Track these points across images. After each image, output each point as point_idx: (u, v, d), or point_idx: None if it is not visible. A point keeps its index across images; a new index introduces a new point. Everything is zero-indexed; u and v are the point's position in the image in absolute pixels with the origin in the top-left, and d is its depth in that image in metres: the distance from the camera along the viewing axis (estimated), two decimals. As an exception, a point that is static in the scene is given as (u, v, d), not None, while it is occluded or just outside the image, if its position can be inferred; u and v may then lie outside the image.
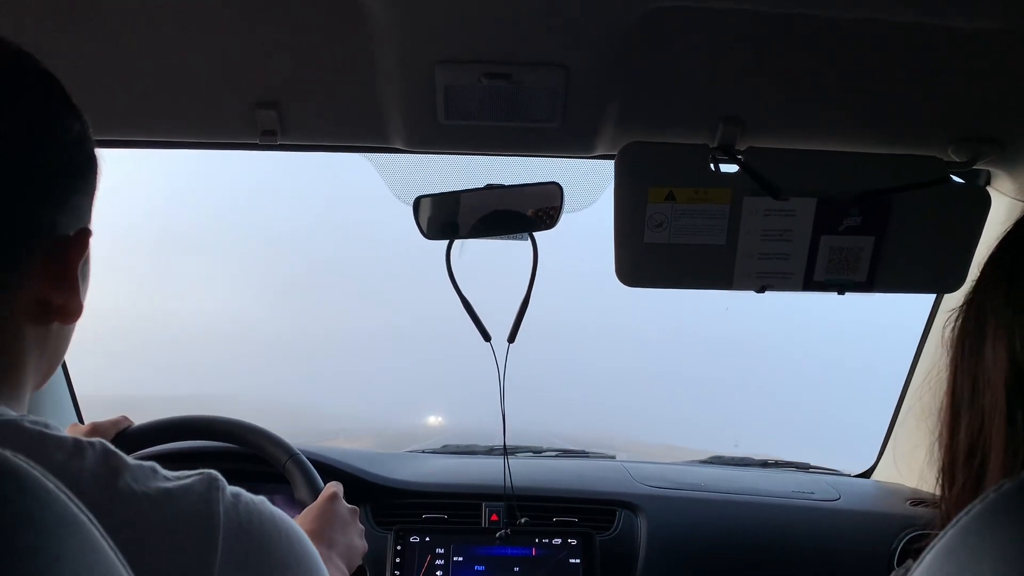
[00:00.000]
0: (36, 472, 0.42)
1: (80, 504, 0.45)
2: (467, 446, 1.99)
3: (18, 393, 0.65)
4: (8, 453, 0.41)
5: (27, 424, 0.60)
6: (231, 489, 0.68)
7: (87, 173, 0.68)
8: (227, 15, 1.02)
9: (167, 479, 0.64)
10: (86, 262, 0.69)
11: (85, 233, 0.67)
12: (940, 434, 0.75)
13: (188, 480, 0.65)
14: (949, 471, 0.73)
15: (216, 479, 0.67)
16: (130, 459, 0.63)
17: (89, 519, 0.45)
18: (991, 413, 0.67)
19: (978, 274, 0.73)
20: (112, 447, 0.63)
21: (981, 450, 0.68)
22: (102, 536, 0.46)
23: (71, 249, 0.66)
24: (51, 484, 0.43)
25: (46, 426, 0.61)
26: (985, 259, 0.75)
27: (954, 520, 0.52)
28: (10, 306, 0.63)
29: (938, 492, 0.77)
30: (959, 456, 0.71)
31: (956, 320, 0.74)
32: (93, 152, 0.69)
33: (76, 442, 0.61)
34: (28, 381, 0.66)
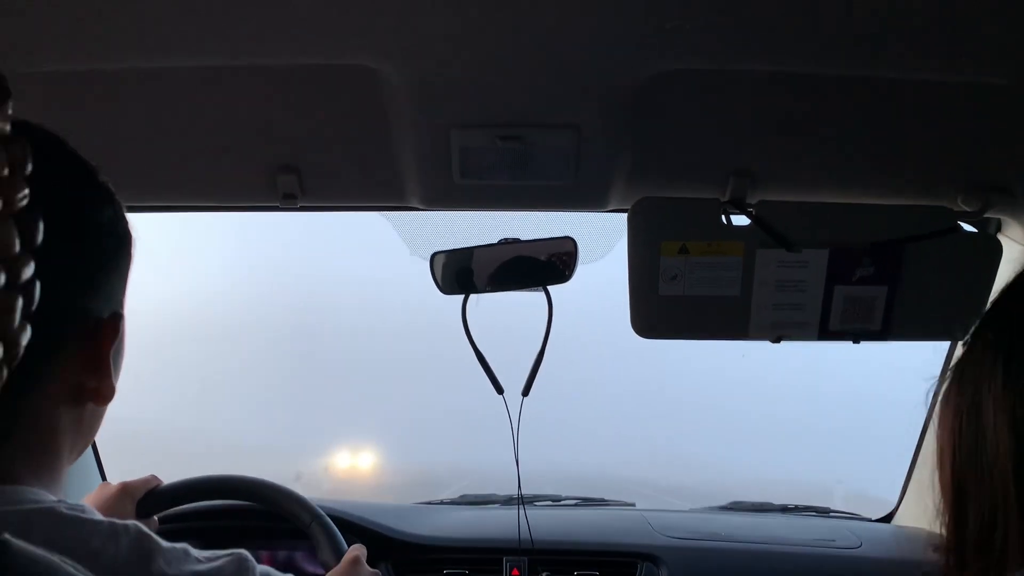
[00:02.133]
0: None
1: None
2: (485, 496, 1.98)
3: (54, 474, 0.66)
4: (59, 559, 0.42)
5: (64, 510, 0.61)
6: (261, 569, 0.69)
7: (119, 257, 0.69)
8: (249, 85, 1.05)
9: (199, 561, 0.65)
10: (120, 344, 0.70)
11: (117, 318, 0.68)
12: (946, 519, 0.72)
13: (219, 562, 0.66)
14: (958, 554, 0.70)
15: (246, 560, 0.68)
16: (163, 542, 0.64)
17: None
18: (1004, 505, 0.64)
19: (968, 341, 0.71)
20: (145, 530, 0.64)
21: (999, 541, 0.65)
22: None
23: (104, 333, 0.67)
24: None
25: (83, 510, 0.62)
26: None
27: None
28: (46, 391, 0.64)
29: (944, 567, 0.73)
30: (969, 540, 0.68)
31: (947, 395, 0.71)
32: (127, 235, 0.71)
33: (111, 526, 0.62)
34: (64, 462, 0.67)
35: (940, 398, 0.73)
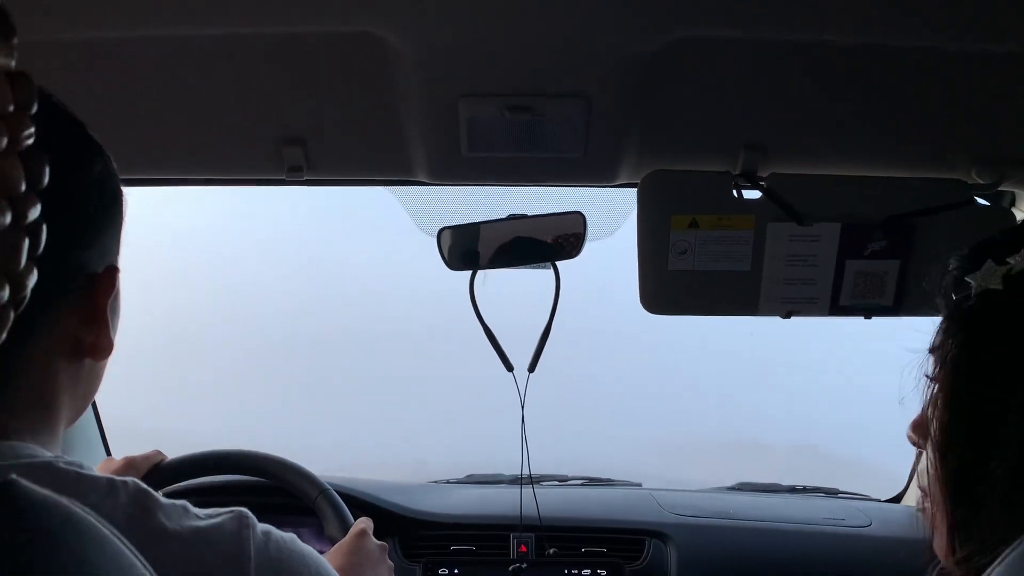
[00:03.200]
0: (94, 519, 0.43)
1: (132, 548, 0.45)
2: (492, 476, 1.98)
3: (52, 431, 0.66)
4: (68, 501, 0.42)
5: (62, 465, 0.60)
6: (261, 527, 0.68)
7: (112, 211, 0.69)
8: (254, 55, 1.04)
9: (199, 517, 0.65)
10: (116, 299, 0.70)
11: (113, 271, 0.68)
12: (932, 461, 0.74)
13: (219, 518, 0.66)
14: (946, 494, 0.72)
15: (247, 517, 0.67)
16: (162, 498, 0.64)
17: (142, 563, 0.46)
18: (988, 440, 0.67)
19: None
20: (144, 486, 0.63)
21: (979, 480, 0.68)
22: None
23: (100, 287, 0.66)
24: (107, 531, 0.44)
25: (80, 466, 0.61)
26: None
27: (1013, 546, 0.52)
28: (42, 345, 0.63)
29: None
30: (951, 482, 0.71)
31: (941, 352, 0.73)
32: (118, 189, 0.70)
33: (110, 482, 0.61)
34: (61, 419, 0.67)
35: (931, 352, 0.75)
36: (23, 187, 0.36)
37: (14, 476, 0.39)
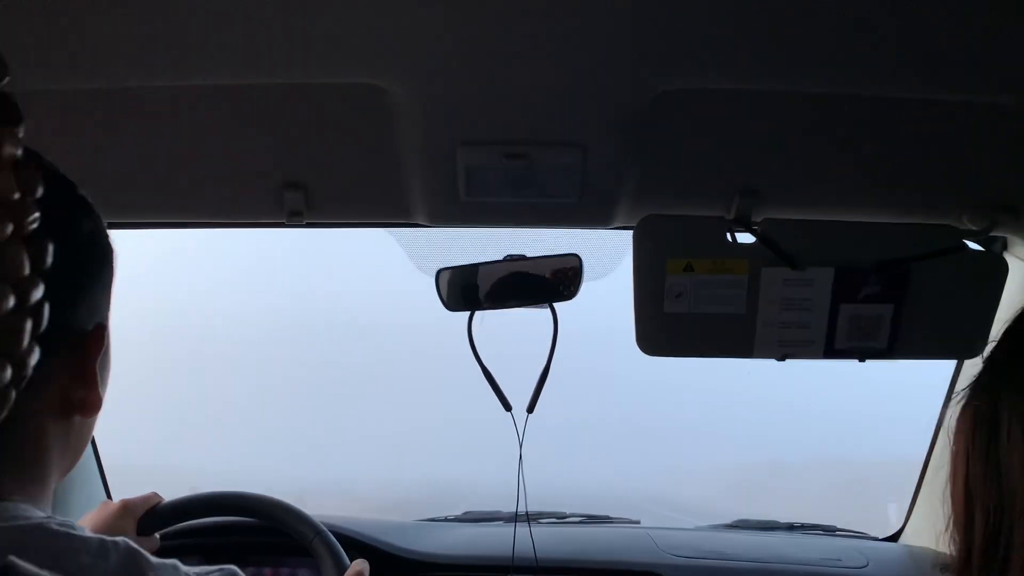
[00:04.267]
0: None
1: None
2: (489, 513, 1.97)
3: (43, 489, 0.66)
4: None
5: (54, 526, 0.60)
6: None
7: (102, 269, 0.69)
8: (256, 103, 1.05)
9: None
10: (105, 354, 0.70)
11: (101, 328, 0.68)
12: (954, 527, 0.74)
13: None
14: (965, 566, 0.72)
15: (236, 575, 0.68)
16: (153, 558, 0.64)
17: None
18: (1011, 507, 0.66)
19: (988, 352, 0.73)
20: (135, 546, 0.63)
21: (1002, 544, 0.67)
22: None
23: (89, 344, 0.67)
24: None
25: (72, 527, 0.61)
26: (1002, 328, 0.75)
27: None
28: (31, 404, 0.62)
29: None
30: (976, 549, 0.70)
31: (965, 405, 0.73)
32: (108, 247, 0.71)
33: (101, 543, 0.61)
34: (52, 476, 0.67)
35: (959, 407, 0.75)
36: (27, 271, 0.37)
37: (12, 559, 0.40)
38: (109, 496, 1.71)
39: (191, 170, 1.18)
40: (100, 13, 0.84)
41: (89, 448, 1.69)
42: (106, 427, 0.80)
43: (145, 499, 1.30)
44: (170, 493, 1.36)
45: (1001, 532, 0.68)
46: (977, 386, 0.73)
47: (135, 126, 1.09)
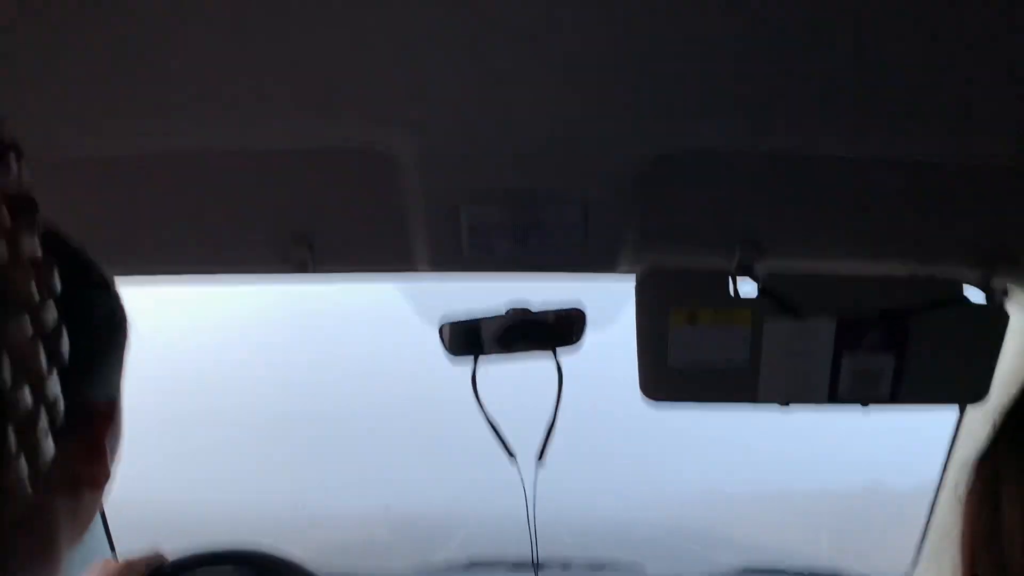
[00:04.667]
0: None
1: None
2: (494, 559, 1.96)
3: (53, 567, 0.64)
4: None
5: None
6: None
7: (116, 344, 0.68)
8: (260, 163, 1.07)
9: None
10: (116, 429, 0.69)
11: (112, 404, 0.67)
12: None
13: None
14: None
15: None
16: None
17: None
18: None
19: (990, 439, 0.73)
20: None
21: None
22: None
23: (100, 421, 0.66)
24: None
25: None
26: (1012, 398, 0.75)
27: None
28: (42, 489, 0.63)
29: None
30: None
31: (971, 478, 0.73)
32: (123, 320, 0.70)
33: None
34: (62, 555, 0.66)
35: (968, 479, 0.75)
36: (45, 369, 0.38)
37: None
38: (112, 548, 1.70)
39: (197, 226, 1.20)
40: (105, 81, 0.86)
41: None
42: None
43: (147, 558, 1.29)
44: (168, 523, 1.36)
45: None
46: (980, 466, 0.73)
47: (141, 185, 1.11)
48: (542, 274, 1.40)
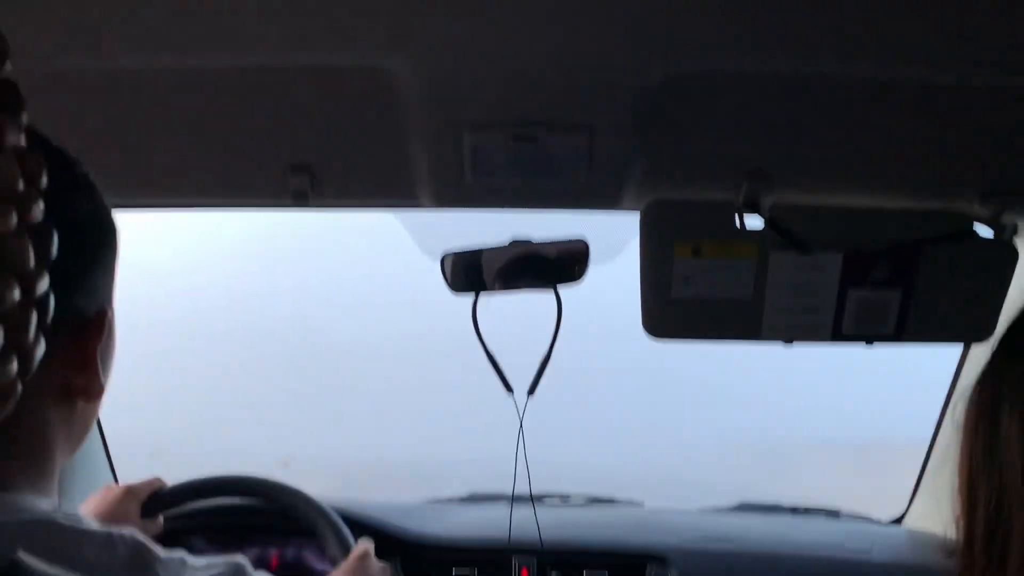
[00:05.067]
0: None
1: None
2: (493, 493, 1.98)
3: (47, 479, 0.65)
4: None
5: (60, 519, 0.60)
6: (257, 574, 0.69)
7: (103, 251, 0.68)
8: (260, 85, 1.04)
9: (196, 569, 0.65)
10: (108, 340, 0.69)
11: (103, 315, 0.67)
12: (957, 516, 0.75)
13: (215, 571, 0.66)
14: (968, 548, 0.74)
15: (243, 568, 0.68)
16: (160, 552, 0.64)
17: None
18: (1009, 496, 0.67)
19: (993, 347, 0.74)
20: (142, 539, 0.63)
21: (1002, 532, 0.68)
22: None
23: (89, 331, 0.65)
24: None
25: (79, 520, 0.61)
26: (1012, 314, 0.76)
27: None
28: (34, 391, 0.63)
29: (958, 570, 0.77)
30: (978, 537, 0.72)
31: (971, 397, 0.75)
32: (110, 228, 0.69)
33: (108, 537, 0.61)
34: (56, 463, 0.67)
35: (967, 400, 0.76)
36: (32, 263, 0.37)
37: (20, 555, 0.39)
38: (115, 476, 1.71)
39: (194, 152, 1.17)
40: None
41: (94, 429, 1.69)
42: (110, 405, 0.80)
43: (148, 483, 1.31)
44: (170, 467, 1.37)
45: (1000, 523, 0.69)
46: (981, 382, 0.75)
47: (136, 108, 1.08)
48: (546, 209, 1.39)
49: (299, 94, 1.06)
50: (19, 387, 0.37)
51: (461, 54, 0.96)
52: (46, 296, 0.38)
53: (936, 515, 1.82)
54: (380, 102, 1.06)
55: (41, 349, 0.38)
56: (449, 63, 0.98)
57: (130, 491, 1.27)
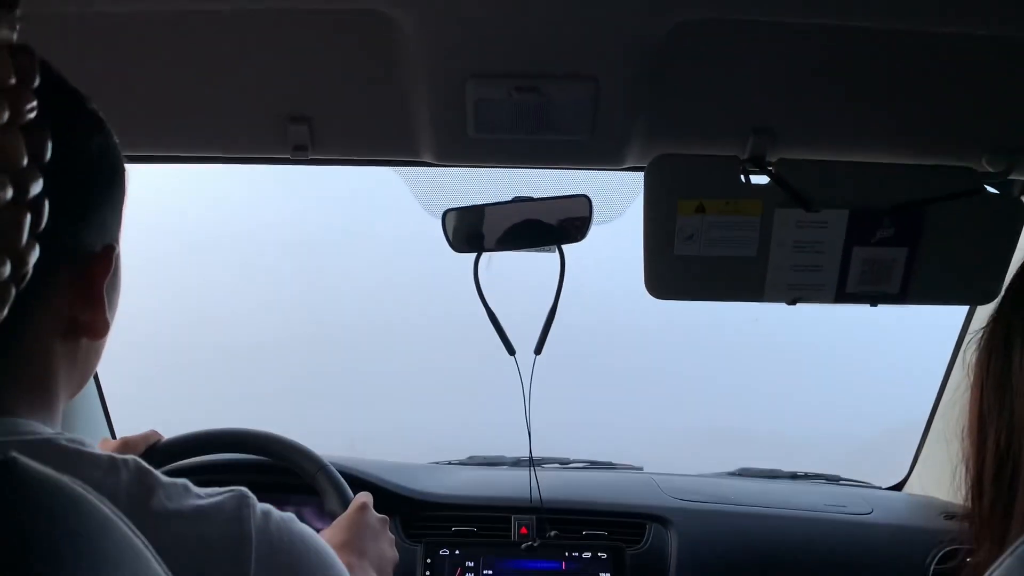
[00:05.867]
0: (95, 498, 0.43)
1: (136, 530, 0.45)
2: (494, 457, 1.98)
3: (51, 408, 0.65)
4: (69, 480, 0.42)
5: (63, 442, 0.60)
6: (261, 507, 0.68)
7: (112, 187, 0.67)
8: (259, 31, 1.03)
9: (199, 496, 0.65)
10: (115, 277, 0.69)
11: (110, 250, 0.67)
12: (966, 450, 0.76)
13: (219, 498, 0.65)
14: (977, 486, 0.74)
15: (247, 497, 0.67)
16: (163, 477, 0.63)
17: (143, 542, 0.46)
18: (1019, 429, 0.67)
19: (1005, 290, 0.74)
20: (145, 465, 0.63)
21: (1011, 464, 0.69)
22: (156, 560, 0.47)
23: (96, 266, 0.65)
24: (108, 510, 0.43)
25: (82, 443, 0.61)
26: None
27: (1011, 549, 0.53)
28: (37, 323, 0.63)
29: (968, 507, 0.77)
30: (987, 471, 0.72)
31: (982, 337, 0.75)
32: (119, 165, 0.69)
33: (111, 459, 0.61)
34: (60, 397, 0.67)
35: (979, 343, 0.76)
36: (25, 161, 0.36)
37: (15, 454, 0.39)
38: (113, 433, 1.71)
39: (191, 101, 1.15)
40: None
41: (93, 387, 1.69)
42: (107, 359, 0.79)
43: (145, 436, 1.31)
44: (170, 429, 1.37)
45: (1010, 456, 0.70)
46: (994, 318, 0.74)
47: (131, 54, 1.06)
48: (549, 166, 1.37)
49: (298, 41, 1.04)
50: (12, 291, 0.36)
51: (465, 1, 0.94)
52: (40, 199, 0.37)
53: (936, 481, 1.83)
54: (381, 51, 1.04)
55: (35, 255, 0.37)
56: (452, 10, 0.96)
57: (127, 445, 1.26)
